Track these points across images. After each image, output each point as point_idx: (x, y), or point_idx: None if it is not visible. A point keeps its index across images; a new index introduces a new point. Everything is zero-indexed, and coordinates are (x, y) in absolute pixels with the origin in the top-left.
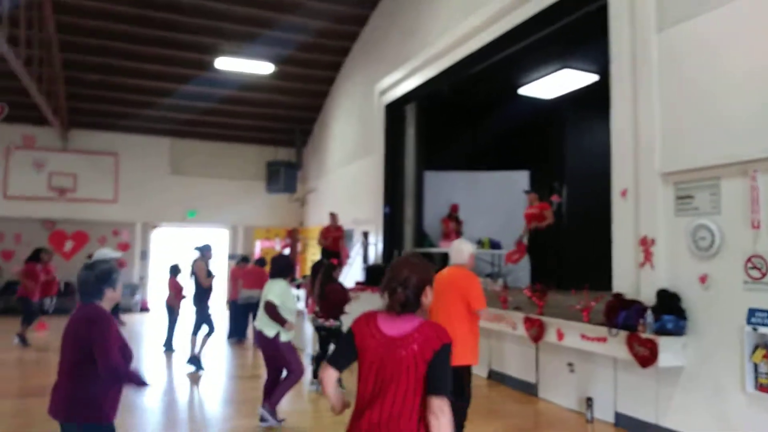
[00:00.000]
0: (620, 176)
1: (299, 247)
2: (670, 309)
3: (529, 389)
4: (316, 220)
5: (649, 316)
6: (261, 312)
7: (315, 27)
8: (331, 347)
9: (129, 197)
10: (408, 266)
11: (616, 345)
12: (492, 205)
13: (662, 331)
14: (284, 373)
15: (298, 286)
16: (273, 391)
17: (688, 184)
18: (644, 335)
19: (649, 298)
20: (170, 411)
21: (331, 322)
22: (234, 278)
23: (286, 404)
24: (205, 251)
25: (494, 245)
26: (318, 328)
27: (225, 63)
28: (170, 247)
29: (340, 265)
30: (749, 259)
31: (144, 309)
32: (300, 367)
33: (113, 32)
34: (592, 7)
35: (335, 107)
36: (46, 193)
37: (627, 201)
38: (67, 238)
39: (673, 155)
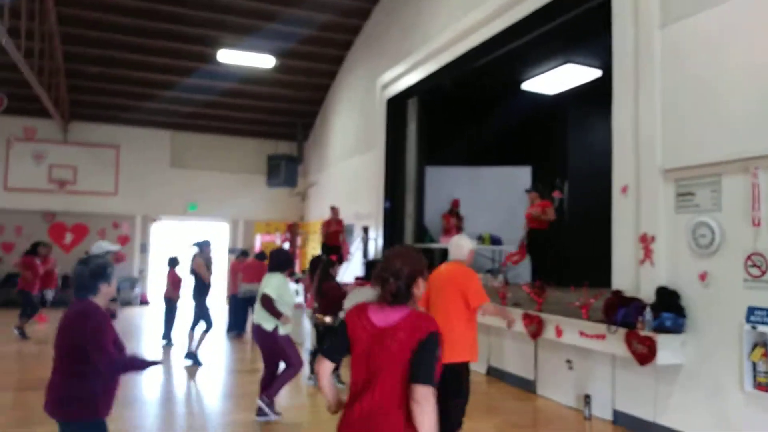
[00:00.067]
0: (621, 172)
1: (299, 241)
2: (669, 306)
3: (527, 386)
4: (317, 215)
5: (648, 314)
6: (258, 306)
7: (317, 20)
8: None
9: (129, 190)
10: (400, 257)
11: (615, 342)
12: (493, 200)
13: (661, 329)
14: (281, 366)
15: (297, 281)
16: (271, 383)
17: (689, 180)
18: (643, 333)
19: (648, 295)
20: (169, 404)
21: (329, 319)
22: (234, 272)
23: (284, 399)
24: (204, 247)
25: (495, 241)
26: (316, 325)
27: (227, 56)
28: (170, 240)
29: (340, 261)
30: (749, 257)
31: (144, 302)
32: (299, 361)
33: (114, 24)
34: (595, 2)
35: (337, 101)
36: (46, 185)
37: (627, 197)
38: (66, 231)
39: (674, 152)
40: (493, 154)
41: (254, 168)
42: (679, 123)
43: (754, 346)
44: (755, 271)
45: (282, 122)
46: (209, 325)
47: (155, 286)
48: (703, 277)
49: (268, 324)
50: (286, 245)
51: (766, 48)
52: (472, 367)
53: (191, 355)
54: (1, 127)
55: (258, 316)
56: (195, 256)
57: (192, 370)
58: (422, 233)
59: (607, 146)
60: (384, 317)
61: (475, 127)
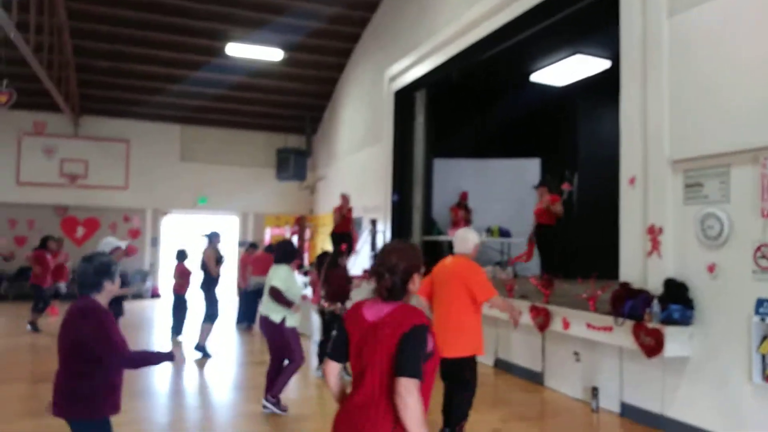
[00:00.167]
0: (629, 163)
1: (308, 234)
2: (677, 298)
3: (535, 378)
4: (326, 208)
5: (656, 306)
6: (266, 297)
7: (325, 13)
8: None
9: (140, 184)
10: (397, 252)
11: (622, 334)
12: (502, 193)
13: (669, 321)
14: (287, 361)
15: (305, 273)
16: (275, 381)
17: (697, 171)
18: (650, 325)
19: (656, 287)
20: (178, 397)
21: (334, 307)
22: (243, 265)
23: (291, 391)
24: (213, 238)
25: (504, 233)
26: (321, 312)
27: (235, 49)
28: (181, 233)
29: (350, 251)
30: (758, 249)
31: (155, 295)
32: (301, 357)
33: (124, 19)
34: None
35: (345, 94)
36: (57, 179)
37: (635, 189)
38: (78, 225)
39: (682, 142)
40: (501, 146)
41: (263, 161)
42: (687, 113)
43: (763, 338)
44: (764, 263)
45: (291, 116)
46: (215, 316)
47: (166, 280)
48: (711, 268)
49: (275, 316)
50: (295, 238)
51: None
52: (480, 359)
53: (200, 347)
54: (11, 121)
55: (266, 307)
56: (205, 249)
57: (201, 362)
58: (430, 226)
59: (616, 138)
60: (375, 312)
61: (483, 120)
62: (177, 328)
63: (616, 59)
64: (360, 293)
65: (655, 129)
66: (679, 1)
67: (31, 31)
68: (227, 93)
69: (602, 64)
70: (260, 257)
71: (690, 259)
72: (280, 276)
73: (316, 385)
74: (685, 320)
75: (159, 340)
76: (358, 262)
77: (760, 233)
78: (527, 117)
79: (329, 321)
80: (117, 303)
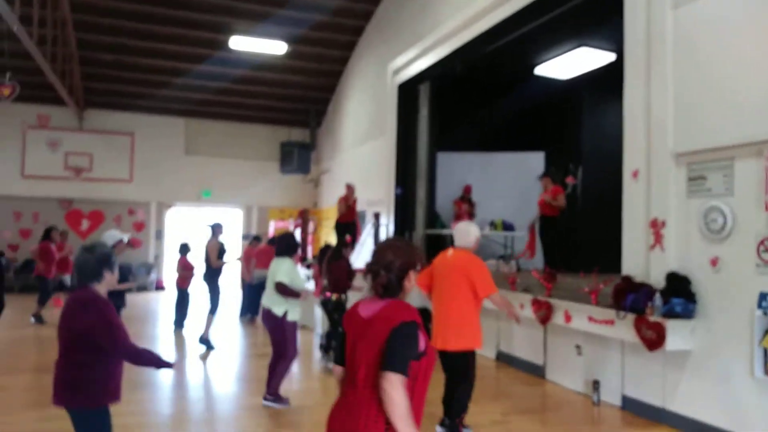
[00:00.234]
0: (632, 156)
1: (311, 227)
2: (679, 292)
3: (536, 371)
4: (330, 201)
5: (658, 299)
6: (269, 290)
7: (328, 6)
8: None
9: (144, 177)
10: (392, 250)
11: (624, 328)
12: (506, 186)
13: (670, 315)
14: None
15: (309, 266)
16: (271, 379)
17: (701, 164)
18: (652, 318)
19: (658, 281)
20: (181, 389)
21: (336, 296)
22: (247, 258)
23: (294, 383)
24: (216, 229)
25: (507, 227)
26: (324, 304)
27: (239, 42)
28: (185, 226)
29: (354, 242)
30: (762, 242)
31: (159, 288)
32: (294, 353)
33: (127, 11)
34: None
35: (349, 87)
36: (62, 172)
37: (638, 182)
38: (83, 218)
39: (686, 135)
40: (505, 139)
41: (267, 155)
42: (691, 106)
43: (765, 332)
44: (767, 257)
45: (295, 109)
46: (216, 306)
47: (170, 272)
48: (714, 262)
49: (277, 309)
50: (298, 231)
51: None
52: (482, 352)
53: (204, 339)
54: (15, 114)
55: (268, 300)
56: (210, 240)
57: (204, 355)
58: (433, 219)
59: (621, 131)
60: (369, 308)
61: (487, 113)
62: (179, 322)
63: (621, 52)
64: (360, 282)
65: (659, 121)
66: None
67: (34, 24)
68: (231, 86)
69: (607, 57)
70: (264, 250)
71: (693, 252)
72: (284, 270)
73: (319, 377)
74: (687, 314)
75: (162, 333)
76: (361, 257)
77: (763, 227)
78: (532, 110)
79: (332, 311)
80: (119, 295)
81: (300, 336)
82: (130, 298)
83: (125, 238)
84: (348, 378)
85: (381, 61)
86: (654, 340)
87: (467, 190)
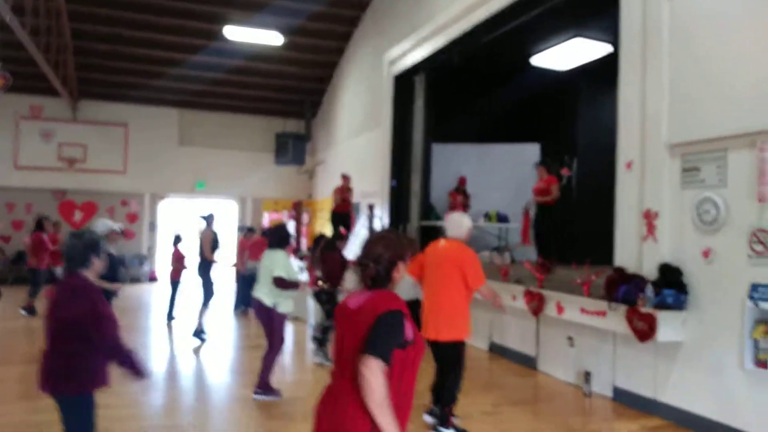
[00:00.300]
0: (626, 147)
1: (306, 219)
2: (671, 283)
3: (528, 362)
4: (325, 193)
5: (650, 291)
6: (261, 281)
7: None
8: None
9: (138, 168)
10: (382, 242)
11: (616, 319)
12: (501, 178)
13: (662, 306)
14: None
15: (302, 258)
16: (260, 373)
17: (694, 155)
18: (643, 310)
19: (651, 272)
20: (173, 380)
21: (329, 286)
22: (241, 250)
23: (288, 374)
24: (209, 220)
25: (502, 219)
26: (317, 295)
27: (234, 33)
28: (179, 218)
29: (348, 234)
30: (754, 234)
31: (152, 279)
32: (280, 345)
33: (123, 2)
34: None
35: (344, 78)
36: (56, 163)
37: (632, 173)
38: (76, 209)
39: (680, 126)
40: (501, 131)
41: (262, 146)
42: (685, 97)
43: (756, 323)
44: (759, 248)
45: (290, 100)
46: (211, 295)
47: (163, 264)
48: (706, 253)
49: (268, 300)
50: (292, 223)
51: None
52: (475, 343)
53: (198, 332)
54: (8, 105)
55: (259, 291)
56: (204, 231)
57: (198, 347)
58: (428, 211)
59: (616, 122)
60: (358, 300)
61: (482, 104)
62: (170, 314)
63: (617, 43)
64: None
65: (653, 112)
66: None
67: (27, 14)
68: (226, 77)
69: (604, 48)
70: (257, 242)
71: (685, 243)
72: (281, 263)
73: (312, 369)
74: (678, 305)
75: (155, 325)
76: (353, 248)
77: (755, 218)
78: (527, 101)
79: (325, 302)
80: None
81: (293, 327)
82: (123, 290)
83: (117, 227)
84: (336, 367)
85: (377, 51)
86: (645, 331)
87: (462, 181)
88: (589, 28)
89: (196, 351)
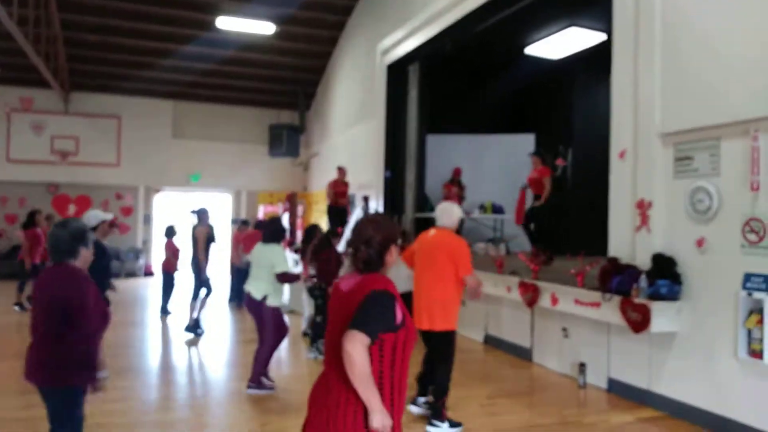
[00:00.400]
0: (619, 137)
1: (300, 211)
2: (665, 274)
3: (523, 354)
4: (320, 185)
5: (643, 281)
6: (253, 274)
7: None
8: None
9: (131, 161)
10: (373, 225)
11: (610, 310)
12: (496, 169)
13: (656, 296)
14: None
15: (297, 251)
16: (252, 368)
17: (687, 144)
18: (637, 300)
19: (644, 262)
20: (167, 374)
21: (324, 283)
22: (235, 243)
23: (284, 368)
24: (202, 215)
25: (497, 210)
26: (310, 289)
27: (226, 23)
28: (173, 211)
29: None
30: (747, 223)
31: (148, 273)
32: (274, 339)
33: None
34: None
35: (338, 68)
36: (48, 156)
37: (625, 162)
38: (70, 202)
39: (673, 115)
40: (496, 121)
41: (256, 138)
42: (678, 85)
43: (750, 312)
44: (753, 237)
45: (283, 91)
46: (209, 291)
47: (158, 257)
48: (700, 243)
49: (257, 293)
50: (286, 215)
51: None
52: (470, 335)
53: (192, 326)
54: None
55: (249, 284)
56: (196, 226)
57: (192, 340)
58: (423, 202)
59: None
60: (349, 283)
61: (477, 94)
62: (165, 308)
63: (611, 32)
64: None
65: (646, 101)
66: None
67: (14, 4)
68: (218, 68)
69: (598, 37)
70: (251, 235)
71: (679, 233)
72: (280, 258)
73: (306, 363)
74: (672, 295)
75: (150, 319)
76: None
77: (749, 207)
78: (522, 91)
79: (319, 296)
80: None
81: (289, 321)
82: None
83: (108, 217)
84: (328, 353)
85: (370, 41)
86: (639, 322)
87: (457, 172)
88: (583, 16)
89: (190, 345)
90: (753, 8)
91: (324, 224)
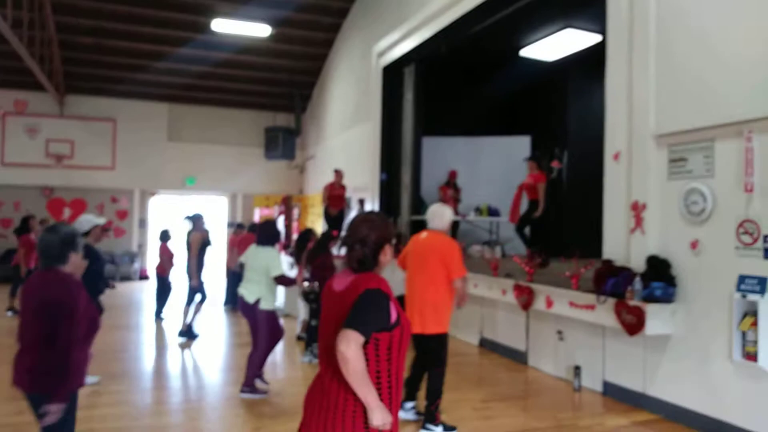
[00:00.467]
0: (613, 138)
1: (295, 214)
2: (659, 276)
3: (519, 357)
4: (316, 188)
5: (638, 283)
6: (247, 277)
7: None
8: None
9: (127, 164)
10: (367, 224)
11: (604, 313)
12: (492, 171)
13: (650, 299)
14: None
15: (291, 254)
16: (245, 372)
17: (681, 146)
18: (632, 302)
19: (639, 264)
20: (161, 378)
21: (317, 285)
22: (231, 246)
23: (279, 371)
24: (196, 221)
25: (492, 212)
26: (305, 293)
27: (222, 25)
28: (169, 214)
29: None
30: (741, 224)
31: (143, 277)
32: (268, 342)
33: None
34: None
35: (334, 71)
36: (43, 160)
37: (619, 164)
38: (65, 206)
39: (667, 116)
40: (491, 123)
41: (252, 140)
42: (672, 87)
43: (744, 315)
44: (747, 239)
45: (279, 93)
46: (203, 297)
47: (154, 261)
48: (694, 245)
49: (250, 296)
50: (281, 218)
51: (761, 9)
52: (466, 338)
53: (186, 331)
54: None
55: (242, 288)
56: (190, 232)
57: (186, 344)
58: (419, 205)
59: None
60: (342, 282)
61: (472, 96)
62: (158, 312)
63: (606, 33)
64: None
65: (641, 103)
66: None
67: (8, 5)
68: (214, 70)
69: (593, 39)
70: (246, 238)
71: (673, 235)
72: (276, 262)
73: (301, 367)
74: (666, 297)
75: (144, 323)
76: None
77: (743, 209)
78: (517, 93)
79: (314, 300)
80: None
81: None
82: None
83: (101, 222)
84: (322, 353)
85: (366, 43)
86: (634, 324)
87: (452, 175)
88: (578, 17)
89: (183, 347)
90: (747, 10)
91: (320, 228)
